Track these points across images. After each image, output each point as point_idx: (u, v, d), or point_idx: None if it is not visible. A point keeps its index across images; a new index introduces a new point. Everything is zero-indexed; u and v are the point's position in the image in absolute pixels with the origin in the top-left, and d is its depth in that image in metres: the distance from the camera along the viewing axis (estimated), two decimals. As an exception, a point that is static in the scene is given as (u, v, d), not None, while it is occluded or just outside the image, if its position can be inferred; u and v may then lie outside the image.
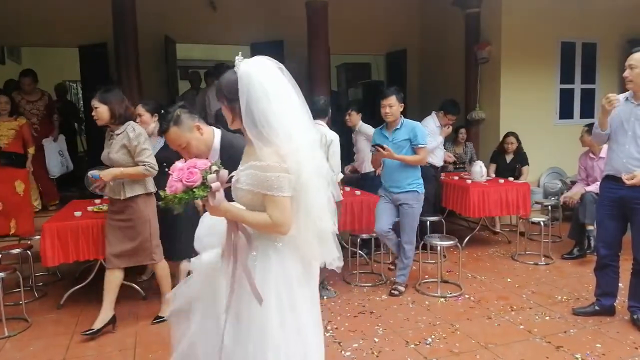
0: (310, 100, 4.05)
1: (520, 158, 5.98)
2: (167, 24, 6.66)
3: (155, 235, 3.45)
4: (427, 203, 4.40)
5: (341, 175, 4.15)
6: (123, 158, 3.26)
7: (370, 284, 4.34)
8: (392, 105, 3.92)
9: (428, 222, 4.91)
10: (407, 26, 8.10)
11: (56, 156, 5.65)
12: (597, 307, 3.53)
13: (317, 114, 3.94)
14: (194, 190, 1.62)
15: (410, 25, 8.17)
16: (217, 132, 2.50)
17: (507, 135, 6.00)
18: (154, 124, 3.79)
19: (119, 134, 3.28)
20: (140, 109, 3.81)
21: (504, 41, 6.44)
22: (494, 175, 5.80)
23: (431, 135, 4.97)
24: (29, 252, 4.20)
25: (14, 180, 5.00)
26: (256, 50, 7.26)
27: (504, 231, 5.87)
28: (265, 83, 1.65)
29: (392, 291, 4.07)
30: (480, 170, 5.35)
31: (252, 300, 1.69)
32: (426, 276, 4.44)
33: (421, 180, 4.04)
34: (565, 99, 6.94)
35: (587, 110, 6.90)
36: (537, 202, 5.97)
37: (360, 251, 4.75)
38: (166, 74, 6.89)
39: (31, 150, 5.10)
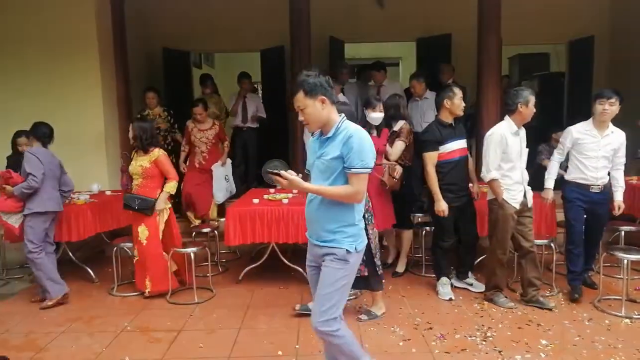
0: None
1: None
2: (336, 25, 6.97)
3: None
4: None
5: (493, 174, 3.57)
6: None
7: (538, 294, 4.00)
8: (302, 108, 2.21)
9: (622, 233, 4.36)
10: (594, 9, 7.15)
11: (222, 182, 5.59)
12: None
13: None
14: None
15: (599, 8, 7.19)
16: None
17: None
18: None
19: None
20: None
21: None
22: None
23: None
24: (215, 232, 4.84)
25: (137, 226, 4.05)
26: (422, 45, 7.27)
27: None
28: None
29: None
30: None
31: None
32: (608, 292, 3.94)
33: (357, 229, 2.26)
34: None
35: None
36: None
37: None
38: (335, 73, 7.20)
39: (167, 188, 4.04)
